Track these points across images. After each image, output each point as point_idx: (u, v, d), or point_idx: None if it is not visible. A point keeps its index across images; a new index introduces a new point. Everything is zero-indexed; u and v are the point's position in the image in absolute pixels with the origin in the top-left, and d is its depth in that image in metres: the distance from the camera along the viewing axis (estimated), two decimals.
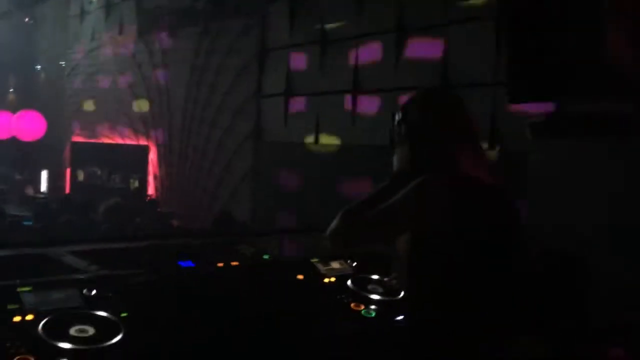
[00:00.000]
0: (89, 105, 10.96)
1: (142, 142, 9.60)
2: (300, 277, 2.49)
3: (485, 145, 4.89)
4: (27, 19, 10.96)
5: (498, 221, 1.84)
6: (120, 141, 10.12)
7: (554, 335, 2.42)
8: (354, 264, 2.70)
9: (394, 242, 1.90)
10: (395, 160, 1.99)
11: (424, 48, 5.63)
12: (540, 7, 3.24)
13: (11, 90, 12.95)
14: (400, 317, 2.30)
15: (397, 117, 1.98)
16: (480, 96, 4.95)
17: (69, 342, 1.79)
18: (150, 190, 9.40)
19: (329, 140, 6.54)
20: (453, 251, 1.77)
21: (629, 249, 3.48)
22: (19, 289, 1.94)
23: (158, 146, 9.27)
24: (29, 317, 1.86)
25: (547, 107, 3.58)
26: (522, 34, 3.25)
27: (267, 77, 7.33)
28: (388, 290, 2.51)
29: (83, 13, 10.99)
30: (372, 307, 2.39)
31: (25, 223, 6.33)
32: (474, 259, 1.77)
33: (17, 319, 1.85)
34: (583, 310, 2.58)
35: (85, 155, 10.86)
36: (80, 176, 10.81)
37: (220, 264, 2.40)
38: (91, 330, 1.86)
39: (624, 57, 2.68)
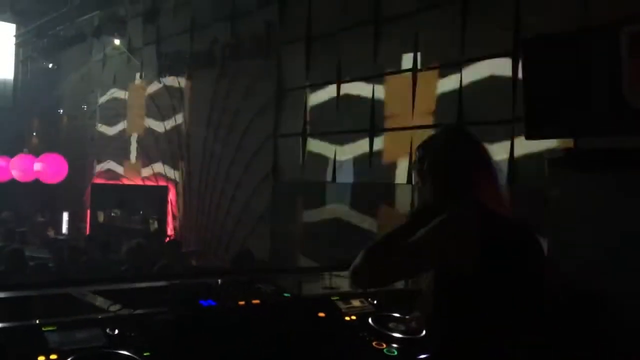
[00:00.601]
0: (109, 148, 11.15)
1: (162, 182, 9.71)
2: (321, 314, 2.49)
3: (504, 182, 4.90)
4: (50, 65, 11.26)
5: (523, 256, 1.84)
6: (140, 182, 10.25)
7: None
8: (375, 301, 2.69)
9: (416, 279, 1.90)
10: (416, 197, 2.00)
11: (441, 86, 5.69)
12: (559, 43, 3.28)
13: (34, 133, 13.22)
14: (423, 356, 2.28)
15: (417, 156, 2.00)
16: (499, 132, 4.97)
17: None
18: (170, 230, 9.46)
19: (347, 178, 6.57)
20: (479, 288, 1.76)
21: None
22: (43, 329, 1.96)
23: (177, 187, 9.37)
24: (53, 356, 1.88)
25: (565, 142, 3.59)
26: (540, 70, 3.29)
27: (284, 117, 7.42)
28: (410, 329, 2.49)
29: (105, 58, 11.29)
30: (394, 345, 2.37)
31: (48, 265, 6.39)
32: (501, 295, 1.77)
33: (41, 358, 1.86)
34: (604, 346, 2.53)
35: (105, 196, 10.99)
36: (101, 217, 10.92)
37: (242, 303, 2.41)
38: None
39: None
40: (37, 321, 2.01)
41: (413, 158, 2.04)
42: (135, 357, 1.94)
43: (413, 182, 2.02)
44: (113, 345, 1.97)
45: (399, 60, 6.07)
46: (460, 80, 5.46)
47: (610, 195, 3.41)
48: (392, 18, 6.17)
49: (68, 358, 1.87)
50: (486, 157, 1.96)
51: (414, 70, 5.90)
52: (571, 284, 3.00)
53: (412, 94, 5.90)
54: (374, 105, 6.29)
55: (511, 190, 4.84)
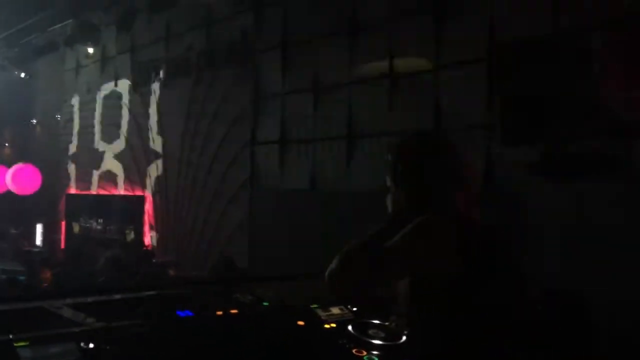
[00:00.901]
0: (83, 158, 11.01)
1: (138, 192, 9.61)
2: (300, 323, 2.47)
3: (479, 187, 4.93)
4: (22, 74, 11.10)
5: (497, 260, 1.85)
6: (115, 192, 10.13)
7: None
8: (354, 309, 2.68)
9: (393, 284, 1.89)
10: (389, 202, 2.00)
11: (416, 92, 5.72)
12: (532, 48, 3.32)
13: (6, 144, 13.01)
14: None
15: (390, 160, 1.99)
16: (474, 138, 5.01)
17: None
18: (147, 240, 9.36)
19: (324, 186, 6.57)
20: (455, 290, 1.76)
21: (629, 288, 3.47)
22: (15, 344, 1.91)
23: (154, 196, 9.28)
24: None
25: (540, 148, 3.62)
26: (513, 78, 3.33)
27: (261, 124, 7.40)
28: (390, 335, 2.48)
29: (78, 67, 11.16)
30: (375, 352, 2.36)
31: (20, 277, 6.27)
32: (477, 297, 1.77)
33: None
34: (585, 349, 2.56)
35: (80, 207, 10.84)
36: (76, 228, 10.77)
37: (220, 313, 2.38)
38: None
39: (616, 98, 2.74)
40: (9, 336, 1.95)
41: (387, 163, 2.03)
42: None
43: (386, 186, 2.00)
44: None
45: (375, 66, 6.09)
46: (437, 85, 5.49)
47: (585, 199, 3.45)
48: (368, 24, 6.20)
49: None
50: (460, 163, 1.96)
51: (390, 75, 5.93)
52: (547, 290, 3.02)
53: (389, 99, 5.92)
54: (351, 111, 6.30)
55: (486, 195, 4.87)
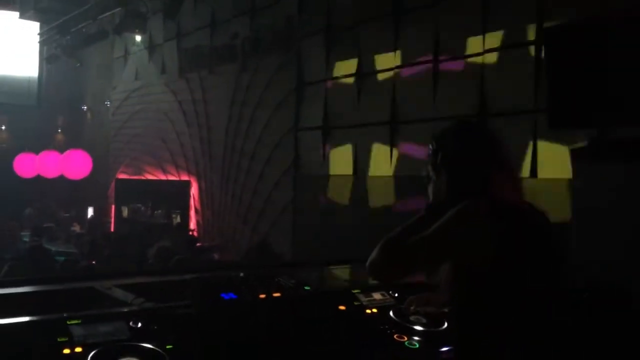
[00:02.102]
0: (132, 143, 11.26)
1: (184, 177, 9.79)
2: (342, 308, 2.49)
3: (526, 174, 4.84)
4: (74, 62, 11.41)
5: (540, 245, 1.83)
6: (162, 177, 10.34)
7: None
8: (396, 294, 2.68)
9: (434, 271, 1.89)
10: (431, 190, 1.99)
11: (461, 77, 5.64)
12: (581, 32, 3.23)
13: (59, 130, 13.41)
14: (445, 349, 2.27)
15: (431, 149, 1.99)
16: (520, 123, 4.92)
17: None
18: (192, 224, 9.53)
19: (366, 172, 6.56)
20: (497, 277, 1.75)
21: None
22: (68, 322, 1.99)
23: (199, 181, 9.43)
24: (78, 349, 1.90)
25: (590, 133, 3.53)
26: (563, 60, 3.25)
27: (304, 110, 7.42)
28: (431, 321, 2.48)
29: (127, 54, 11.39)
30: (415, 338, 2.37)
31: (72, 259, 6.49)
32: (519, 286, 1.76)
33: (66, 351, 1.89)
34: (625, 343, 2.50)
35: (129, 191, 11.11)
36: (125, 212, 11.05)
37: (262, 296, 2.42)
38: None
39: None
40: (63, 314, 2.04)
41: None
42: (158, 349, 1.96)
43: (428, 175, 2.00)
44: (136, 338, 2.00)
45: (420, 51, 6.02)
46: (482, 71, 5.40)
47: (636, 185, 3.35)
48: (412, 8, 6.13)
49: (92, 351, 1.89)
50: (501, 151, 1.94)
51: (435, 60, 5.86)
52: (595, 277, 2.96)
53: (433, 85, 5.85)
54: (395, 97, 6.25)
55: (533, 183, 4.79)
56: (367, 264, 1.86)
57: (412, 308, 2.52)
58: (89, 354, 1.88)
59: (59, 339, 1.91)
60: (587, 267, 3.06)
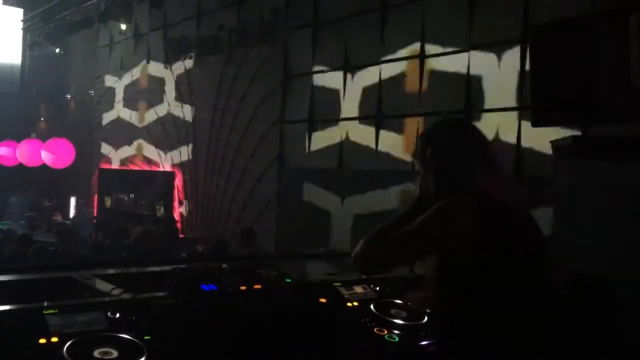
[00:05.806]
0: (116, 133, 11.17)
1: (168, 168, 9.73)
2: (323, 300, 2.48)
3: (509, 171, 4.86)
4: (57, 50, 11.26)
5: (522, 239, 1.84)
6: (146, 168, 10.27)
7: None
8: (377, 288, 2.68)
9: (418, 265, 1.90)
10: (417, 185, 2.00)
11: (448, 72, 5.64)
12: (566, 29, 3.24)
13: (42, 118, 13.26)
14: (425, 342, 2.27)
15: (420, 144, 2.00)
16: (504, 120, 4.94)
17: None
18: (176, 215, 9.48)
19: (352, 165, 6.55)
20: (480, 270, 1.76)
21: None
22: (45, 312, 1.97)
23: (183, 172, 9.38)
24: (54, 339, 1.87)
25: (572, 130, 3.55)
26: (547, 57, 3.25)
27: (290, 103, 7.40)
28: (411, 315, 2.47)
29: (112, 43, 11.27)
30: (396, 331, 2.36)
31: (51, 248, 6.42)
32: (502, 281, 1.76)
33: (42, 341, 1.86)
34: (609, 334, 2.52)
35: (112, 182, 11.02)
36: (108, 203, 10.96)
37: (243, 288, 2.40)
38: (115, 353, 1.86)
39: None
40: (40, 304, 2.01)
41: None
42: (135, 340, 1.94)
43: (416, 170, 2.03)
44: (114, 329, 1.97)
45: (406, 46, 6.02)
46: (468, 67, 5.41)
47: (619, 183, 3.38)
48: (399, 4, 6.12)
49: (68, 341, 1.87)
50: (486, 148, 1.96)
51: (421, 56, 5.86)
52: (576, 273, 2.98)
53: (419, 80, 5.86)
54: (381, 91, 6.25)
55: (517, 180, 4.81)
56: (352, 256, 1.88)
57: (412, 307, 2.50)
58: (65, 344, 1.85)
59: (35, 329, 1.89)
60: (569, 263, 3.07)
